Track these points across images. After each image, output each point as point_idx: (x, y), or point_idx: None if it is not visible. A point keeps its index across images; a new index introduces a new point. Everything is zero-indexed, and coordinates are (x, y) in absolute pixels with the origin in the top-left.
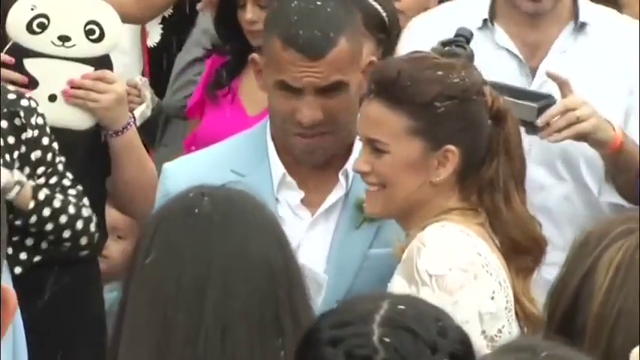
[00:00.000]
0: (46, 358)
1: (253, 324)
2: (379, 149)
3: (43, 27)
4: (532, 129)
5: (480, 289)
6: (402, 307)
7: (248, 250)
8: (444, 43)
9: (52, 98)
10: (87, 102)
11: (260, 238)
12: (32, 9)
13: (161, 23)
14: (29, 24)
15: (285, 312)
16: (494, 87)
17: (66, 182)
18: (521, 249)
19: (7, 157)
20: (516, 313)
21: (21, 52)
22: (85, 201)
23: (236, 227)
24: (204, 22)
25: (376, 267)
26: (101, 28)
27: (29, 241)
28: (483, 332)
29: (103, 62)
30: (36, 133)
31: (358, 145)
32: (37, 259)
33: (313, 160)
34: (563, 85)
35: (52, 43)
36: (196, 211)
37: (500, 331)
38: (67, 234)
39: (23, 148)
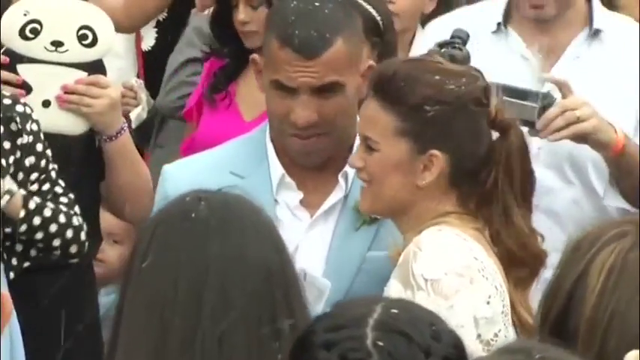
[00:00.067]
0: None
1: (250, 327)
2: (371, 147)
3: (35, 32)
4: (533, 129)
5: (475, 294)
6: (395, 310)
7: (245, 254)
8: (441, 45)
9: (46, 104)
10: (80, 107)
11: (257, 242)
12: (25, 14)
13: (156, 27)
14: (22, 29)
15: (283, 315)
16: (495, 88)
17: (58, 190)
18: (518, 262)
19: (3, 162)
20: (513, 322)
21: (14, 58)
22: (77, 209)
23: (233, 231)
24: (196, 21)
25: (375, 269)
26: (94, 33)
27: (18, 247)
28: (479, 336)
29: (96, 67)
30: (31, 139)
31: None
32: (26, 264)
33: (310, 162)
34: (563, 87)
35: (45, 48)
36: (193, 215)
37: (496, 335)
38: (56, 242)
39: (18, 154)
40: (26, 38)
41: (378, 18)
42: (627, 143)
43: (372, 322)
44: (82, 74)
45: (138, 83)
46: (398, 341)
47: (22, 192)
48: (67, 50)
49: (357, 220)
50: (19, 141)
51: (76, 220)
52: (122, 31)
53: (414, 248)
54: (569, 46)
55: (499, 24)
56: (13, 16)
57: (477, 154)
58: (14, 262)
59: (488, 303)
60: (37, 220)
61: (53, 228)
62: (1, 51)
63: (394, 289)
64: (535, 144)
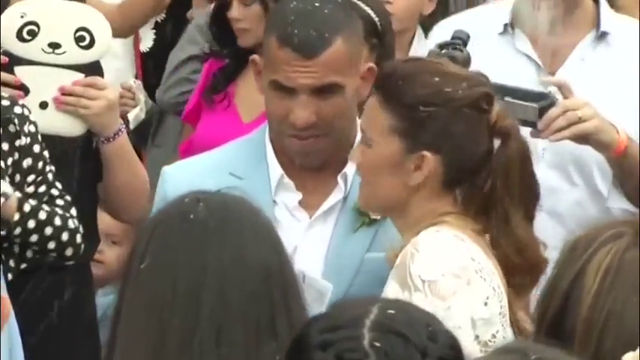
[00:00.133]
0: None
1: (249, 328)
2: (367, 143)
3: (33, 34)
4: (535, 129)
5: (472, 295)
6: (392, 311)
7: (244, 256)
8: (441, 46)
9: (43, 105)
10: (78, 109)
11: (256, 244)
12: (22, 16)
13: (154, 28)
14: (19, 32)
15: (281, 316)
16: (497, 88)
17: (54, 192)
18: (517, 270)
19: (2, 163)
20: (511, 327)
21: (12, 60)
22: (73, 211)
23: (231, 232)
24: (199, 19)
25: (373, 270)
26: (91, 35)
27: (16, 249)
28: (477, 337)
29: (93, 69)
30: (28, 140)
31: None
32: (23, 266)
33: (309, 162)
34: (563, 88)
35: (43, 50)
36: (191, 216)
37: (494, 336)
38: (52, 245)
39: (16, 155)
40: (23, 40)
41: (376, 19)
42: (630, 144)
43: (369, 322)
44: (80, 76)
45: (136, 84)
46: (395, 342)
47: (18, 194)
48: (64, 52)
49: (356, 222)
50: (17, 143)
51: (72, 223)
52: (116, 36)
53: (412, 249)
54: (576, 49)
55: (506, 25)
56: (11, 18)
57: (472, 159)
58: (11, 263)
59: (485, 304)
60: (31, 223)
61: (48, 231)
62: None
63: (391, 290)
64: (540, 145)
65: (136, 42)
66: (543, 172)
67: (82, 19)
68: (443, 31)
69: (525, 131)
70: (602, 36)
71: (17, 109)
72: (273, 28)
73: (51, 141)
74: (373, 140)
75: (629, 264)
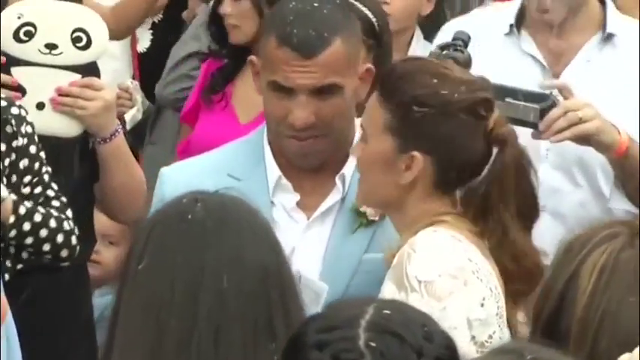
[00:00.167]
0: None
1: (247, 329)
2: (364, 138)
3: (29, 35)
4: (536, 130)
5: (469, 296)
6: (387, 311)
7: (241, 256)
8: (442, 47)
9: (40, 106)
10: (74, 109)
11: (254, 244)
12: (19, 17)
13: (151, 29)
14: (16, 32)
15: (279, 317)
16: (498, 89)
17: (50, 193)
18: (513, 277)
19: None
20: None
21: (9, 61)
22: (68, 213)
23: (229, 233)
24: (203, 15)
25: (371, 271)
26: (88, 36)
27: (11, 250)
28: (473, 338)
29: (90, 69)
30: (25, 141)
31: None
32: (19, 267)
33: (307, 163)
34: (564, 90)
35: (39, 51)
36: (189, 217)
37: (490, 337)
38: (47, 247)
39: (13, 156)
40: (20, 41)
41: (374, 20)
42: (631, 145)
43: (365, 323)
44: (77, 77)
45: (133, 85)
46: (390, 342)
47: (13, 197)
48: (61, 53)
49: (354, 223)
50: (14, 143)
51: (67, 225)
52: (112, 38)
53: (409, 250)
54: (582, 50)
55: (511, 26)
56: (7, 19)
57: (466, 163)
58: (8, 264)
59: (482, 305)
60: (27, 226)
61: (43, 233)
62: None
63: (388, 291)
64: (543, 146)
65: (133, 42)
66: (547, 173)
67: (78, 20)
68: (445, 35)
69: (527, 133)
70: (608, 37)
71: (14, 110)
72: (272, 28)
73: (48, 142)
74: (369, 136)
75: (624, 264)
